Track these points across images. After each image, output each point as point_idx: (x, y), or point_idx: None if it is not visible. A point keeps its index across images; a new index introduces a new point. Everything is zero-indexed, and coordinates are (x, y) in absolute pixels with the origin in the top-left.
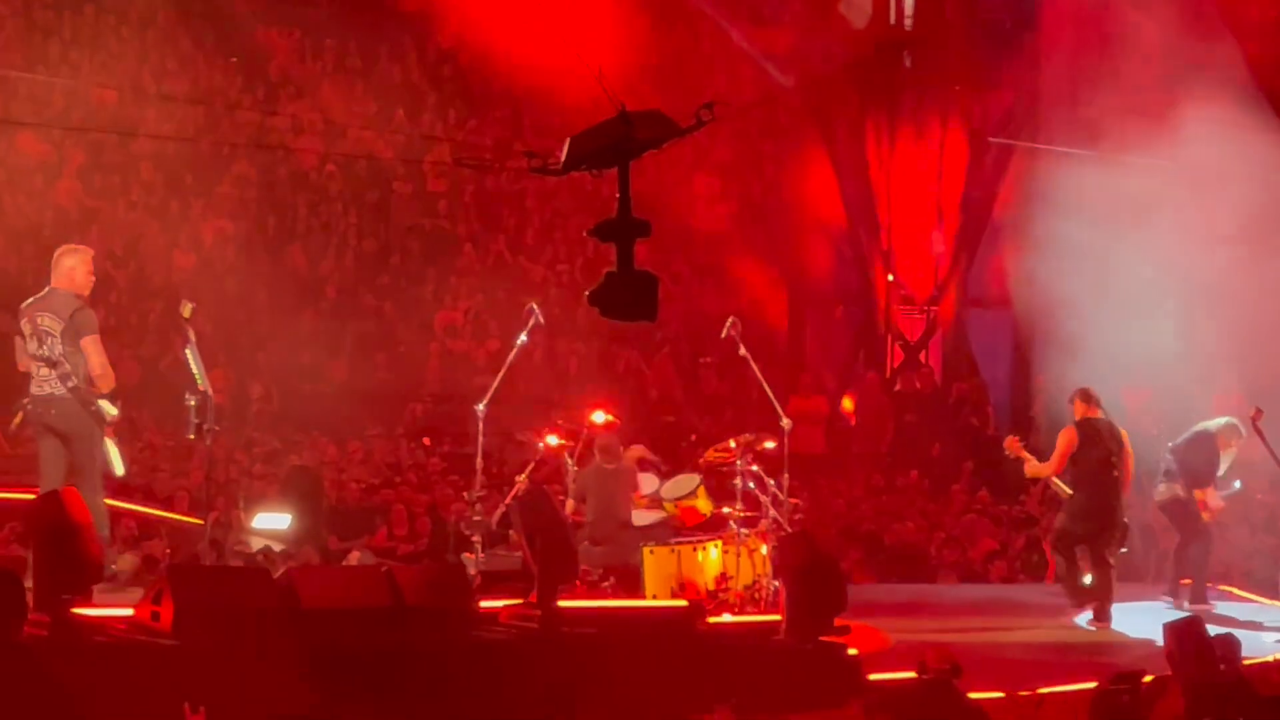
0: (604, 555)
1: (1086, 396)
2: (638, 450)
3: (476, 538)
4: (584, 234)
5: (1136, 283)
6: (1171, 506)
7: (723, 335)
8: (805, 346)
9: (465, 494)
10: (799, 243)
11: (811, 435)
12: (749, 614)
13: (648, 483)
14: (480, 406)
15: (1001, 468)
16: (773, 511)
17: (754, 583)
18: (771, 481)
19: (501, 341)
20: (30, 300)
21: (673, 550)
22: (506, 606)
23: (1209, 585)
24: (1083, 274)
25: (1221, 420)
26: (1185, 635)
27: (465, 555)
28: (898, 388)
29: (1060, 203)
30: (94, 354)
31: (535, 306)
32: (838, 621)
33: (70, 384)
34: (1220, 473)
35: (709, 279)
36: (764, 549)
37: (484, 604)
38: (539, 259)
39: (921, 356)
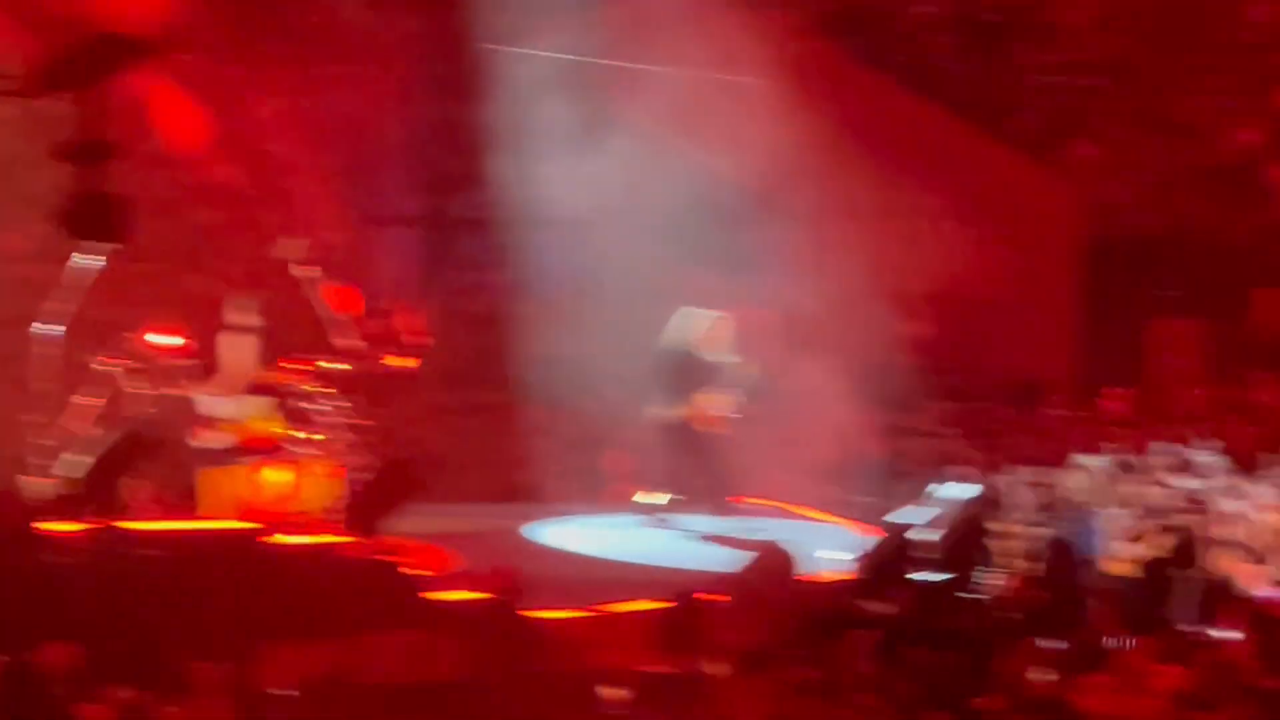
0: (165, 477)
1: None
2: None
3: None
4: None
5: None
6: (662, 424)
7: (275, 255)
8: (372, 267)
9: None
10: (368, 164)
11: (383, 355)
12: (310, 535)
13: (215, 405)
14: (43, 328)
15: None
16: (335, 433)
17: (316, 504)
18: (333, 405)
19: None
20: None
21: (233, 472)
22: (66, 530)
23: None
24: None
25: (699, 320)
26: (752, 555)
27: (24, 478)
28: (461, 309)
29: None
30: None
31: None
32: (399, 540)
33: None
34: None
35: (277, 202)
36: (325, 470)
37: (43, 526)
38: None
39: (490, 278)
